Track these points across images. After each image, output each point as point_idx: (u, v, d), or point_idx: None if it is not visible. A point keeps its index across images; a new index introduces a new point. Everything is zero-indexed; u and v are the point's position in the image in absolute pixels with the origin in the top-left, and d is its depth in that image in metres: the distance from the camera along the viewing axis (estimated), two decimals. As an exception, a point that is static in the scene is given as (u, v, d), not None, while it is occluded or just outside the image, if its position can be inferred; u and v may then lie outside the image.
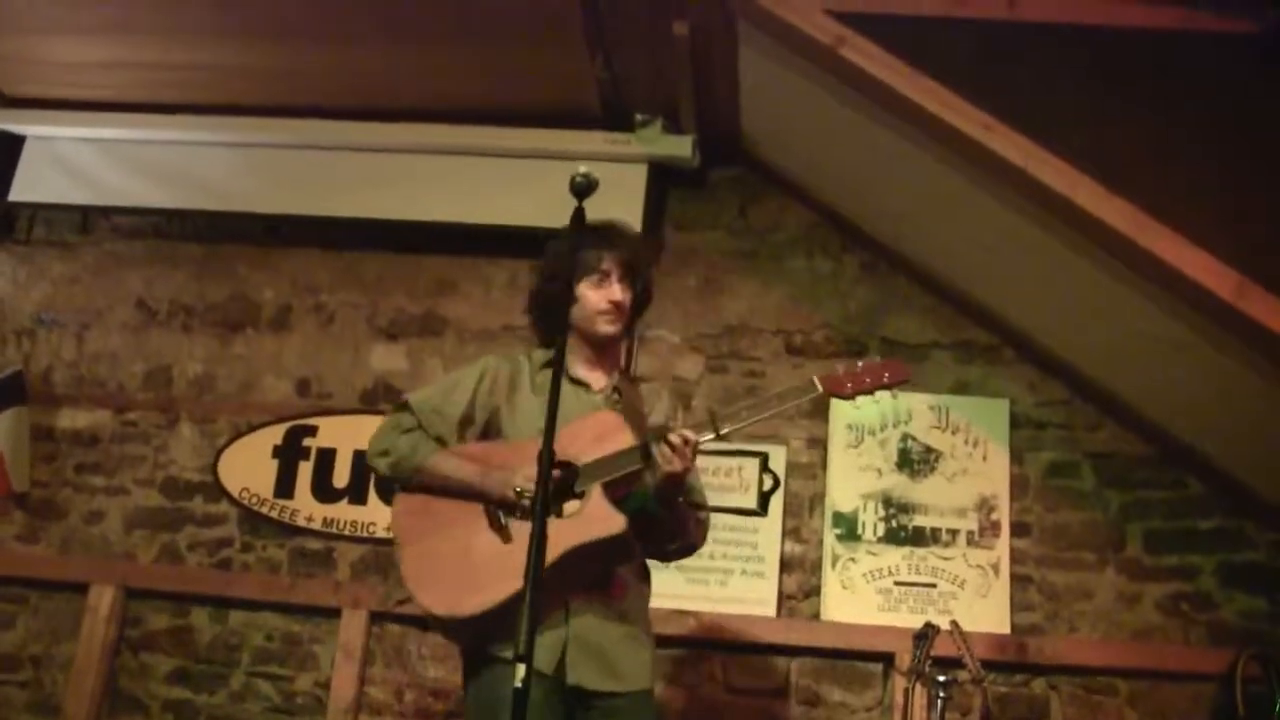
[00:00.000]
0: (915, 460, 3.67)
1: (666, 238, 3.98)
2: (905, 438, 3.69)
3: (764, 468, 3.64)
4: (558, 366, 1.77)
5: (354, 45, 3.57)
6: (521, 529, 1.92)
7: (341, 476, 3.87)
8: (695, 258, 3.96)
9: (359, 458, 3.80)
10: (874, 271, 3.91)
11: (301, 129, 3.91)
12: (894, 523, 3.63)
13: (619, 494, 2.01)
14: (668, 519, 2.08)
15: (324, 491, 3.86)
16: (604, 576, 2.07)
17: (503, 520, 2.03)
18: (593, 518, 1.97)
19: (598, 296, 2.14)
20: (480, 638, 2.00)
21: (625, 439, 2.04)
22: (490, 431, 2.13)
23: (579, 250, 2.06)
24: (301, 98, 3.86)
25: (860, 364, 2.12)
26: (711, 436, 2.00)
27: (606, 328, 2.16)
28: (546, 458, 1.63)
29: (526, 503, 1.92)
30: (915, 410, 3.70)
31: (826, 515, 3.62)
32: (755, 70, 3.39)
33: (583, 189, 1.84)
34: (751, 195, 4.02)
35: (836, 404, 3.33)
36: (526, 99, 3.69)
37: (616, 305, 2.13)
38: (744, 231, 3.99)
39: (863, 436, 3.71)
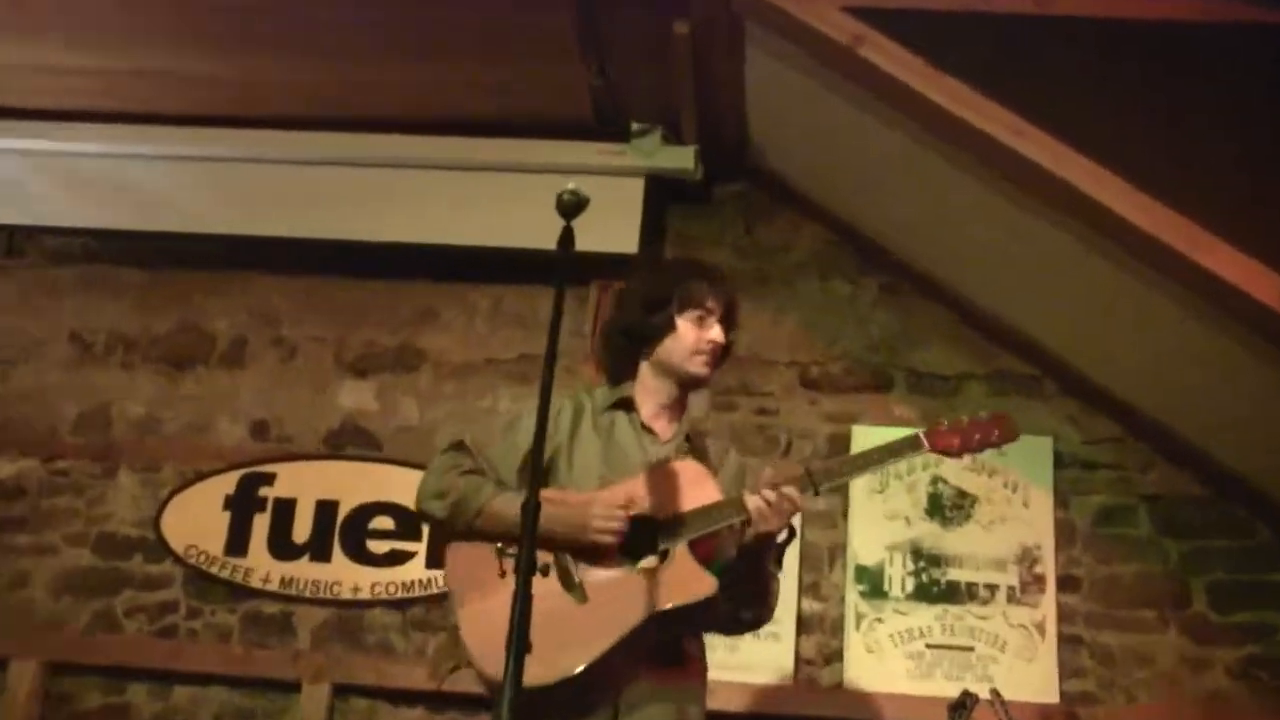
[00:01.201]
0: (947, 506, 3.69)
1: (666, 255, 4.00)
2: (936, 481, 3.72)
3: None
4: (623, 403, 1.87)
5: (318, 48, 3.57)
6: (600, 580, 1.95)
7: (302, 530, 3.88)
8: (698, 281, 3.92)
9: (322, 509, 3.85)
10: (896, 294, 3.93)
11: (260, 141, 3.93)
12: (925, 577, 3.63)
13: (704, 555, 2.02)
14: (751, 585, 2.10)
15: (282, 548, 3.87)
16: (674, 650, 2.08)
17: (574, 573, 2.03)
18: (680, 579, 1.97)
19: (698, 334, 2.16)
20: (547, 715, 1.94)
21: (710, 492, 2.05)
22: (551, 471, 2.14)
23: (681, 281, 2.12)
24: (260, 107, 3.86)
25: (968, 419, 2.14)
26: (810, 494, 2.04)
27: (701, 369, 2.17)
28: (531, 502, 1.64)
29: (614, 537, 1.93)
30: None
31: (848, 569, 3.64)
32: (763, 74, 3.42)
33: (571, 207, 1.87)
34: (760, 211, 4.05)
35: (857, 440, 3.64)
36: (512, 108, 3.74)
37: (715, 348, 2.16)
38: (752, 251, 4.02)
39: (888, 480, 3.73)
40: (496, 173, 3.84)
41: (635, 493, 2.00)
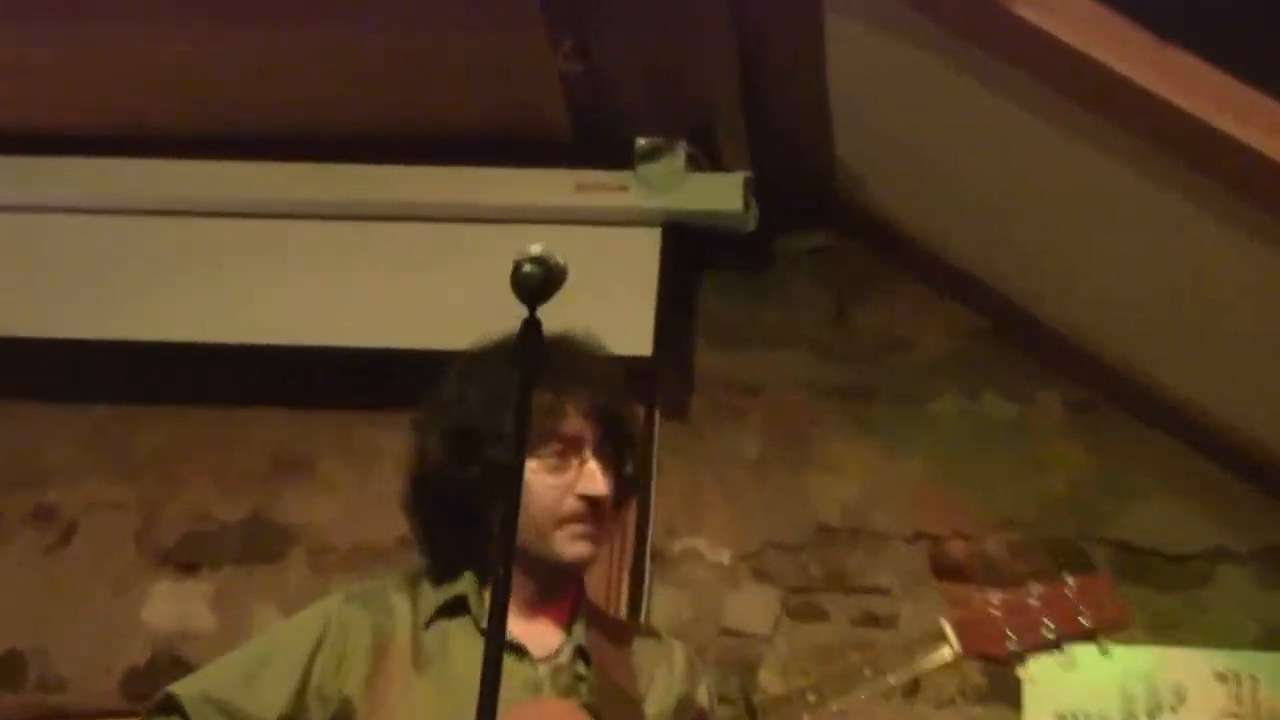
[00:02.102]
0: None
1: (699, 362, 3.66)
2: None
3: None
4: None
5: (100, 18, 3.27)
6: None
7: None
8: (756, 401, 3.63)
9: None
10: (1096, 418, 3.54)
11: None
12: None
13: None
14: None
15: None
16: None
17: None
18: None
19: (556, 487, 1.93)
20: None
21: None
22: None
23: (504, 399, 1.84)
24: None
25: (1032, 592, 2.03)
26: None
27: (577, 548, 1.93)
28: None
29: None
30: (1188, 682, 3.36)
31: None
32: (857, 54, 3.22)
33: (535, 283, 1.68)
34: (860, 281, 3.72)
35: (1031, 678, 3.18)
36: (438, 118, 3.49)
37: (594, 504, 1.93)
38: (847, 349, 3.67)
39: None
40: (407, 223, 3.50)
41: None
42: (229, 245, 3.56)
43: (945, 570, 3.43)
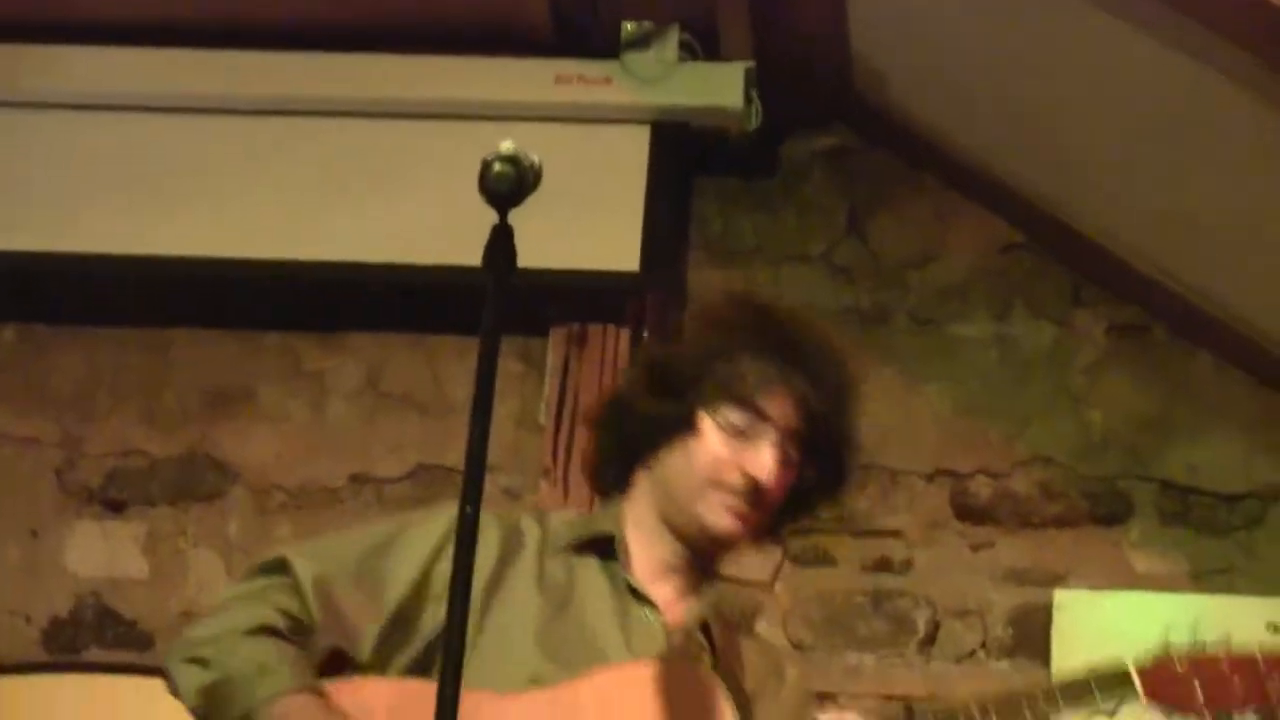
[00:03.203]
0: None
1: (694, 280, 3.58)
2: None
3: None
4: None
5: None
6: None
7: None
8: (757, 323, 3.40)
9: None
10: (1141, 342, 3.46)
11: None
12: None
13: None
14: None
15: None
16: None
17: None
18: None
19: (728, 448, 1.90)
20: None
21: None
22: (438, 651, 1.77)
23: (732, 342, 1.91)
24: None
25: (1229, 657, 1.93)
26: None
27: (723, 519, 1.89)
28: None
29: None
30: (1237, 634, 2.87)
31: None
32: None
33: (507, 185, 1.60)
34: (875, 188, 3.60)
35: (1064, 620, 3.35)
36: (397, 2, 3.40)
37: (756, 489, 1.88)
38: (860, 266, 3.57)
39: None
40: (363, 119, 3.37)
41: (586, 713, 1.81)
42: (161, 143, 3.41)
43: (967, 511, 3.37)
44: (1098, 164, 3.32)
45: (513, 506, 3.33)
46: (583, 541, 1.98)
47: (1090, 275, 3.48)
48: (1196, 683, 1.91)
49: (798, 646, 3.05)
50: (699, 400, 1.93)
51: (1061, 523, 3.36)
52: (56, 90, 3.52)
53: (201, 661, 1.87)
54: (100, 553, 3.49)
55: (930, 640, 3.31)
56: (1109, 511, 3.36)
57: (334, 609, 1.91)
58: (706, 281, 3.55)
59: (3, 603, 3.47)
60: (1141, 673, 1.90)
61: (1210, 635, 3.59)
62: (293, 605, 1.90)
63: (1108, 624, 3.24)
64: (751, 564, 3.29)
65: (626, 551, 1.95)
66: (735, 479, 1.91)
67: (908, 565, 3.34)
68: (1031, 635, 3.28)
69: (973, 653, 3.28)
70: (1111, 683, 1.90)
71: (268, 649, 1.86)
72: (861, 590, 3.34)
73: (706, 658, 1.95)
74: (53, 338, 3.61)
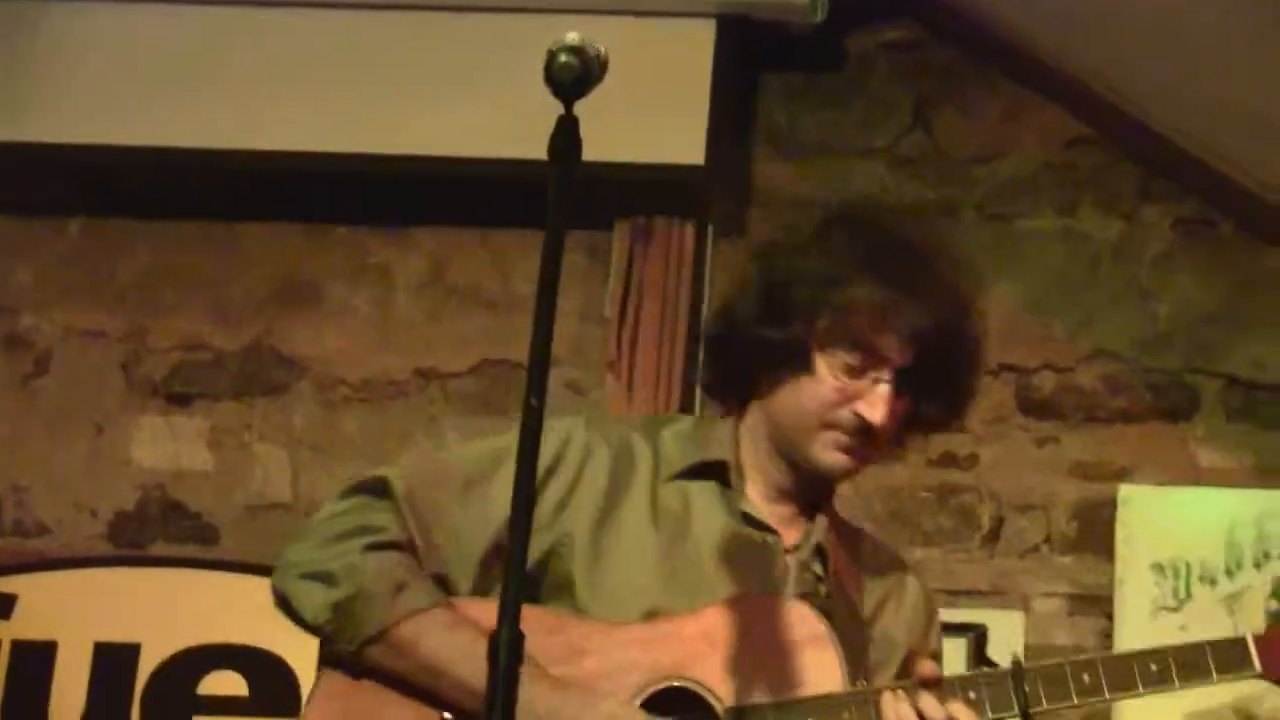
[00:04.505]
0: None
1: (758, 173, 3.59)
2: None
3: (979, 656, 3.33)
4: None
5: None
6: None
7: (70, 699, 3.40)
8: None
9: (107, 660, 3.40)
10: (1209, 237, 3.47)
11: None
12: None
13: None
14: None
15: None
16: None
17: None
18: None
19: (842, 393, 1.89)
20: None
21: (827, 671, 1.84)
22: (546, 578, 1.93)
23: (834, 282, 1.89)
24: None
25: None
26: (1013, 716, 1.80)
27: (833, 457, 1.90)
28: (503, 650, 1.43)
29: None
30: None
31: None
32: None
33: (573, 75, 1.58)
34: (943, 82, 3.62)
35: (1128, 515, 3.39)
36: None
37: (867, 428, 1.89)
38: (928, 160, 3.58)
39: (1189, 591, 3.35)
40: (431, 13, 3.39)
41: (693, 647, 1.83)
42: (230, 37, 3.42)
43: (1032, 406, 3.38)
44: (1166, 57, 3.28)
45: (577, 401, 3.37)
46: (698, 466, 1.99)
47: (1158, 170, 3.47)
48: None
49: (1014, 660, 3.21)
50: (812, 334, 1.92)
51: (1126, 417, 3.39)
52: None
53: (327, 578, 1.89)
54: (166, 447, 3.55)
55: (995, 535, 3.34)
56: (1174, 406, 3.38)
57: (435, 535, 1.94)
58: (771, 176, 3.57)
59: (69, 496, 3.54)
60: (1258, 641, 1.87)
61: (1274, 531, 3.43)
62: (395, 527, 1.93)
63: (1172, 519, 3.28)
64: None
65: (741, 477, 1.97)
66: (848, 419, 1.91)
67: (973, 460, 3.34)
68: (1096, 530, 3.30)
69: (1037, 548, 3.31)
70: (1228, 655, 1.87)
71: (398, 564, 1.89)
72: (926, 485, 3.35)
73: (821, 588, 1.96)
74: (120, 231, 3.65)
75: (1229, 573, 3.35)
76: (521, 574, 1.50)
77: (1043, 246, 3.53)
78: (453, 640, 1.86)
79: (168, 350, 3.61)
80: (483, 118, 3.29)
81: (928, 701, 1.74)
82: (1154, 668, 1.82)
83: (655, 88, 3.20)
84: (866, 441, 1.91)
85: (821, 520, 1.99)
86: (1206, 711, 3.30)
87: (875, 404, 1.89)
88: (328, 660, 1.94)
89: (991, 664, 3.36)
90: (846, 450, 1.91)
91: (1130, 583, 3.33)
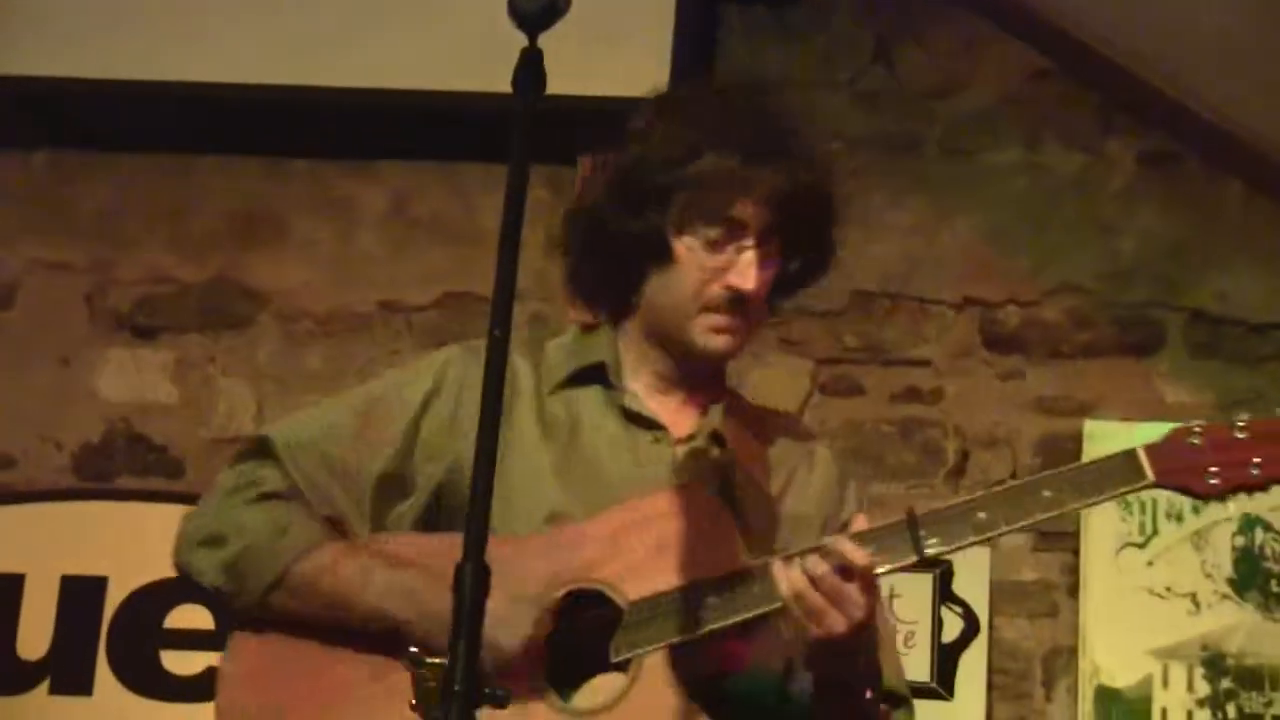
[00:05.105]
0: (1276, 577, 3.41)
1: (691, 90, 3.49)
2: (1251, 526, 3.39)
3: (945, 594, 3.39)
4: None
5: None
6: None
7: (36, 634, 3.44)
8: (785, 151, 3.47)
9: (74, 594, 3.45)
10: (1172, 171, 3.49)
11: None
12: (1232, 709, 3.36)
13: (714, 665, 1.86)
14: None
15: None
16: None
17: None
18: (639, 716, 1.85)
19: (706, 269, 1.90)
20: None
21: (725, 550, 1.87)
22: (443, 506, 1.93)
23: (682, 159, 1.87)
24: None
25: (1246, 424, 1.84)
26: (910, 561, 1.77)
27: (713, 341, 1.92)
28: (470, 564, 1.48)
29: (432, 683, 1.78)
30: None
31: (1083, 694, 3.37)
32: None
33: (535, 8, 1.62)
34: (905, 16, 3.62)
35: (1094, 449, 3.42)
36: None
37: (741, 298, 1.91)
38: (888, 95, 3.61)
39: (1155, 527, 3.39)
40: None
41: (594, 551, 1.86)
42: None
43: (997, 340, 3.42)
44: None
45: (542, 332, 3.20)
46: (578, 372, 2.00)
47: (1120, 103, 3.48)
48: (1213, 459, 1.84)
49: (908, 510, 3.26)
50: (669, 220, 1.92)
51: (1091, 352, 3.42)
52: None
53: (215, 540, 1.89)
54: (130, 379, 3.58)
55: (959, 470, 3.38)
56: (1138, 340, 3.41)
57: (319, 478, 1.95)
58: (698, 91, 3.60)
59: (34, 429, 3.56)
60: (1150, 451, 1.83)
61: (1241, 465, 3.69)
62: (277, 478, 1.93)
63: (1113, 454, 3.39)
64: (779, 392, 3.37)
65: (620, 375, 1.98)
66: (720, 294, 1.92)
67: (937, 395, 3.39)
68: (1061, 465, 3.37)
69: (1001, 483, 3.16)
70: (1120, 468, 1.84)
71: (278, 510, 1.90)
72: (890, 420, 3.40)
73: (715, 475, 1.97)
74: (82, 164, 3.66)
75: (1195, 509, 3.35)
76: (487, 505, 1.52)
77: (1005, 180, 3.54)
78: (351, 571, 1.87)
79: (132, 283, 3.62)
80: (445, 49, 3.29)
81: (812, 561, 1.74)
82: (1047, 493, 1.81)
83: (619, 21, 3.19)
84: (743, 314, 1.93)
85: (716, 410, 2.00)
86: (1175, 646, 3.38)
87: (744, 272, 1.90)
88: (236, 628, 1.94)
89: (959, 600, 3.40)
90: (726, 330, 1.93)
91: (1096, 519, 3.35)
